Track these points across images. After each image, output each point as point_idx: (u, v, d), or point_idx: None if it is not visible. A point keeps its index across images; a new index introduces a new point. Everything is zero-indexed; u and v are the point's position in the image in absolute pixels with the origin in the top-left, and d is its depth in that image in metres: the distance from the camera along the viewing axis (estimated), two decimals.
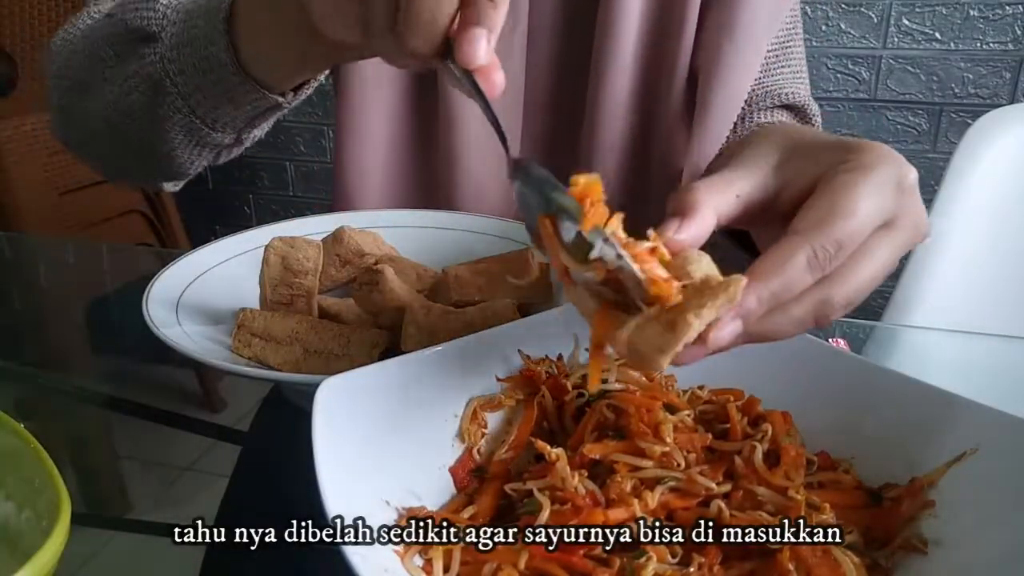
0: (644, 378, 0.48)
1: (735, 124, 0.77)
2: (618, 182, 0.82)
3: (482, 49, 0.38)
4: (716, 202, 0.39)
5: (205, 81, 0.58)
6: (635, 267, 0.34)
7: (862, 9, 1.92)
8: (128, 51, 0.64)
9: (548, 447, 0.43)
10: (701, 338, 0.34)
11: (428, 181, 0.84)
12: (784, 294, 0.36)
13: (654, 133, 0.80)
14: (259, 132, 0.65)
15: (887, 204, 0.38)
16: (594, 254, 0.34)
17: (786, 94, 0.78)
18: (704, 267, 0.35)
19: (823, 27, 1.95)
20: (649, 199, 0.82)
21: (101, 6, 0.69)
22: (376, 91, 0.80)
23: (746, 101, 0.77)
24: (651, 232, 0.36)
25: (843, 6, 1.93)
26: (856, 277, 0.38)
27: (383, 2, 0.40)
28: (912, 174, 0.40)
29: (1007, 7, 1.83)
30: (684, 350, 0.34)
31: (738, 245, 0.62)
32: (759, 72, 0.76)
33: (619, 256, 0.34)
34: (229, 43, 0.55)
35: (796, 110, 0.80)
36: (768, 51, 0.77)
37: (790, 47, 0.78)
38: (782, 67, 0.78)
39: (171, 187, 0.76)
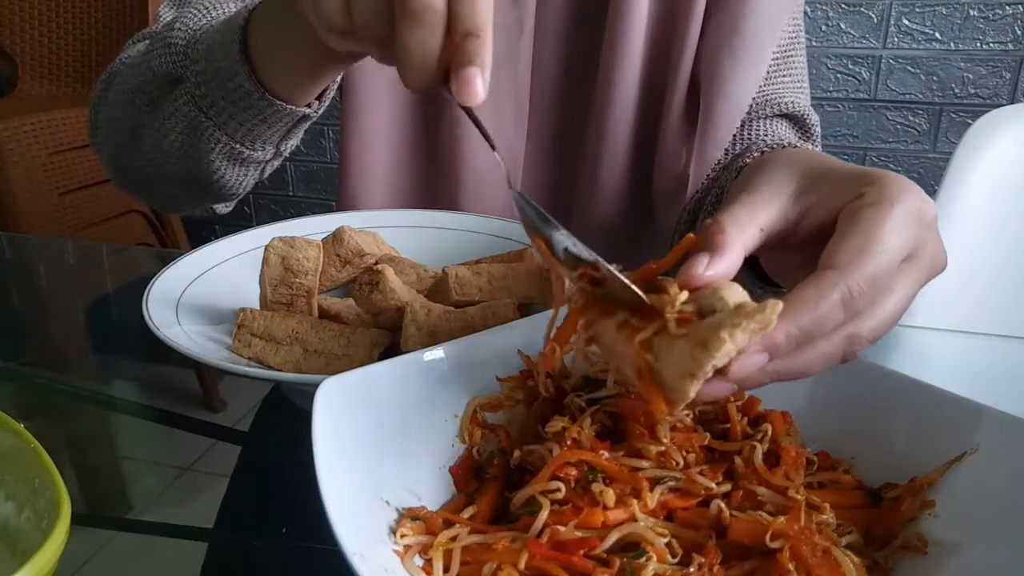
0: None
1: (735, 133, 0.77)
2: (622, 184, 0.82)
3: (478, 88, 0.40)
4: (744, 238, 0.39)
5: (236, 109, 0.61)
6: (612, 269, 0.35)
7: (862, 9, 1.92)
8: (161, 96, 0.67)
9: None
10: (723, 372, 0.34)
11: (433, 181, 0.85)
12: (815, 331, 0.36)
13: (657, 137, 0.80)
14: (295, 141, 0.69)
15: (911, 238, 0.38)
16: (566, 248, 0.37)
17: (787, 103, 0.78)
18: (737, 295, 0.35)
19: (823, 27, 1.95)
20: (651, 202, 0.83)
21: (139, 45, 0.73)
22: (381, 92, 0.80)
23: (747, 110, 0.77)
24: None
25: (843, 6, 1.93)
26: (883, 312, 0.38)
27: (370, 40, 0.43)
28: (933, 208, 0.40)
29: (1007, 7, 1.83)
30: (705, 385, 0.34)
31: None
32: (761, 80, 0.77)
33: (594, 259, 0.36)
34: (250, 71, 0.58)
35: (796, 119, 0.80)
36: (770, 59, 0.77)
37: (792, 56, 0.78)
38: (783, 76, 0.78)
39: (223, 208, 0.81)
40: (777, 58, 0.77)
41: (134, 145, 0.73)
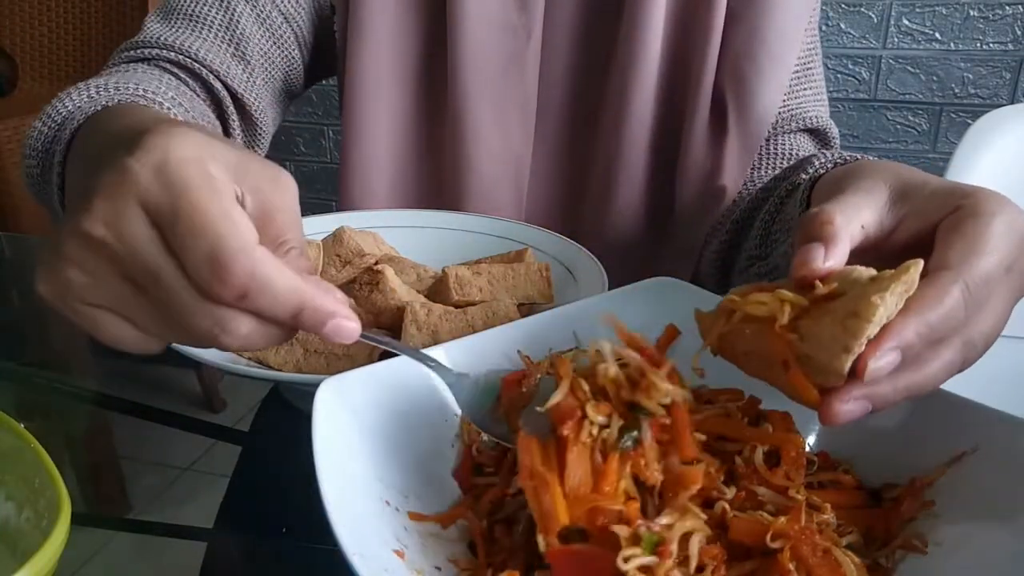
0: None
1: (760, 148, 0.76)
2: (637, 198, 0.80)
3: (349, 330, 0.37)
4: (851, 230, 0.39)
5: None
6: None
7: (862, 9, 1.92)
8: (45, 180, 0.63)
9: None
10: (858, 370, 0.34)
11: (435, 182, 0.84)
12: (942, 329, 0.36)
13: (679, 148, 0.78)
14: None
15: (1014, 247, 0.38)
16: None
17: (810, 117, 0.77)
18: (864, 271, 0.35)
19: (823, 27, 1.95)
20: (671, 217, 0.80)
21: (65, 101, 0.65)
22: (382, 92, 0.80)
23: (771, 124, 0.76)
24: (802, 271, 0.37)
25: (843, 6, 1.93)
26: (991, 317, 0.38)
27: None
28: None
29: (1007, 7, 1.83)
30: (840, 404, 0.34)
31: None
32: (785, 92, 0.76)
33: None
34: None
35: (818, 133, 0.79)
36: (792, 73, 0.76)
37: (811, 68, 0.77)
38: (804, 88, 0.77)
39: None
40: (798, 70, 0.76)
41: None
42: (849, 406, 0.35)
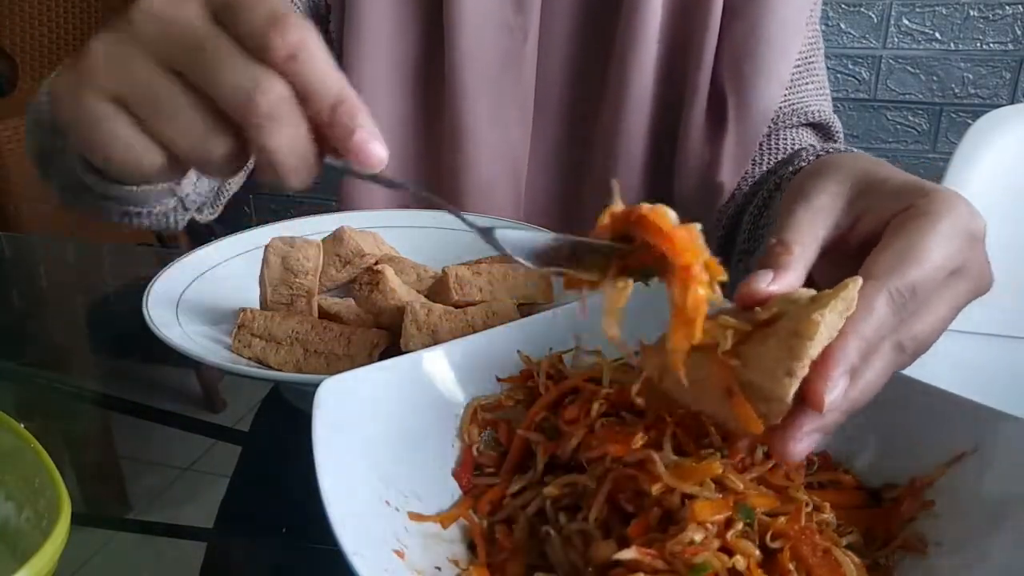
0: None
1: (760, 143, 0.76)
2: (635, 195, 0.80)
3: (377, 151, 0.36)
4: (807, 256, 0.38)
5: (102, 189, 0.56)
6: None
7: (862, 9, 1.92)
8: (43, 160, 0.64)
9: None
10: (813, 403, 0.33)
11: (434, 182, 0.84)
12: (875, 340, 0.35)
13: (676, 144, 0.78)
14: (193, 189, 0.64)
15: (958, 251, 0.38)
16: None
17: (812, 112, 0.77)
18: (804, 292, 0.35)
19: (823, 27, 1.95)
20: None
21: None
22: (380, 93, 0.80)
23: (772, 119, 0.76)
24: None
25: (843, 6, 1.93)
26: (923, 323, 0.37)
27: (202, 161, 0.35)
28: (983, 224, 0.40)
29: (1007, 7, 1.83)
30: (794, 444, 0.33)
31: None
32: (786, 88, 0.75)
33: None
34: (83, 161, 0.52)
35: (821, 128, 0.79)
36: (795, 63, 0.76)
37: (813, 62, 0.77)
38: (806, 83, 0.77)
39: (204, 217, 0.77)
40: (800, 65, 0.76)
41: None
42: (804, 444, 0.34)
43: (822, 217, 0.40)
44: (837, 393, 0.34)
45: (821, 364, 0.33)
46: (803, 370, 0.32)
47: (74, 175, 0.55)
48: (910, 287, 0.36)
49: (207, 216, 0.78)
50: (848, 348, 0.34)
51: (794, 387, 0.32)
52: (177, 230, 0.73)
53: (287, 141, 0.34)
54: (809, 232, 0.39)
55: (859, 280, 0.34)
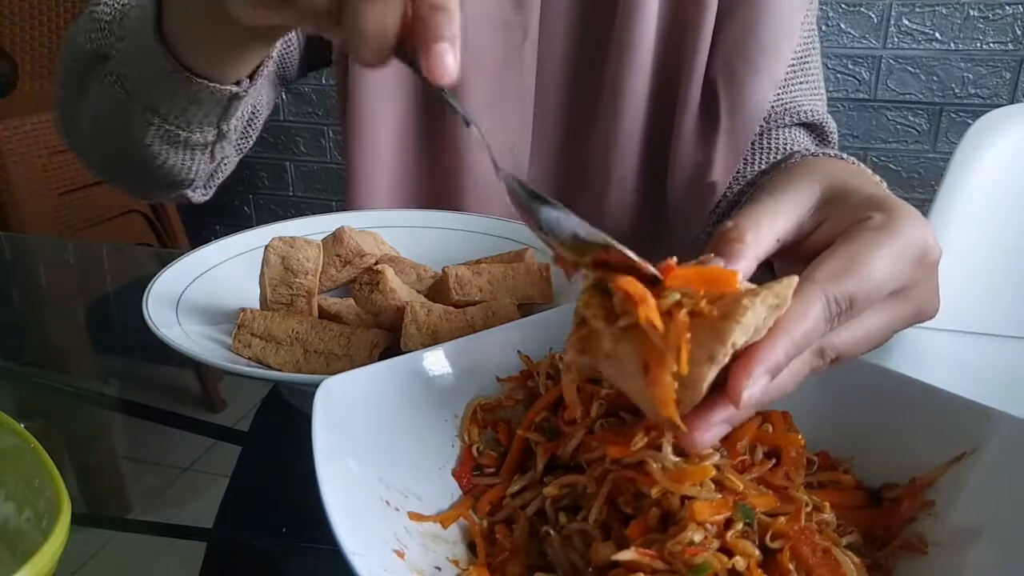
0: None
1: (753, 142, 0.76)
2: (632, 192, 0.80)
3: (451, 63, 0.37)
4: (759, 247, 0.38)
5: (162, 89, 0.58)
6: (622, 248, 0.33)
7: (862, 9, 1.92)
8: (90, 75, 0.65)
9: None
10: (731, 395, 0.33)
11: (435, 181, 0.84)
12: (804, 343, 0.35)
13: (670, 144, 0.78)
14: (235, 121, 0.65)
15: (904, 273, 0.37)
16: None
17: (805, 111, 0.76)
18: (744, 284, 0.34)
19: (823, 27, 1.95)
20: (664, 212, 0.81)
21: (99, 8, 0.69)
22: (385, 96, 0.80)
23: (765, 118, 0.76)
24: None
25: (843, 6, 1.93)
26: (852, 334, 0.37)
27: (309, 12, 0.39)
28: (937, 251, 0.39)
29: (1007, 7, 1.83)
30: (701, 431, 0.33)
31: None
32: (779, 87, 0.75)
33: (606, 242, 0.34)
34: (167, 51, 0.55)
35: (814, 128, 0.79)
36: (788, 63, 0.76)
37: (808, 62, 0.77)
38: (800, 83, 0.77)
39: (198, 197, 0.78)
40: (794, 65, 0.76)
41: (75, 127, 0.71)
42: (712, 434, 0.34)
43: (784, 213, 0.40)
44: (756, 389, 0.33)
45: (746, 359, 0.33)
46: (725, 357, 0.32)
47: (131, 79, 0.58)
48: (848, 297, 0.35)
49: (200, 196, 0.78)
50: (776, 347, 0.33)
51: (712, 374, 0.32)
52: (187, 186, 0.73)
53: (377, 14, 0.36)
54: (768, 224, 0.39)
55: (794, 279, 0.33)
